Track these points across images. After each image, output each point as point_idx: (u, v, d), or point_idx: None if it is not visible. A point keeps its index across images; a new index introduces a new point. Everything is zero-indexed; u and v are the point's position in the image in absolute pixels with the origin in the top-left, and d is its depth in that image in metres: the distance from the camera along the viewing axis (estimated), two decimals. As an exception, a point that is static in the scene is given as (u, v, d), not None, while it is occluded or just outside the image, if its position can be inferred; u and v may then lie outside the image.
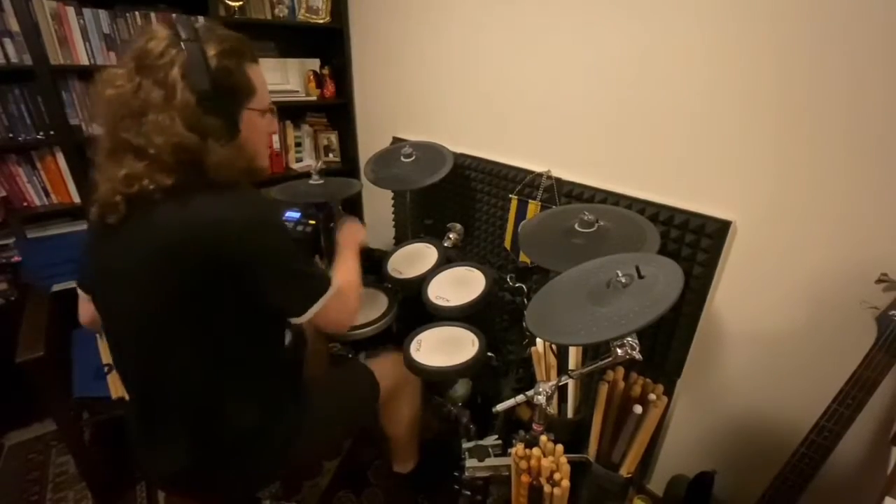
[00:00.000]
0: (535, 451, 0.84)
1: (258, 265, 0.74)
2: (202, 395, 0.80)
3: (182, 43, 0.69)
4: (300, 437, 0.92)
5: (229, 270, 0.72)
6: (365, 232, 1.22)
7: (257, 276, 0.75)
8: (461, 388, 1.39)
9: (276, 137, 2.08)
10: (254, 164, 0.82)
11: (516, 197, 1.40)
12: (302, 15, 2.00)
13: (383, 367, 1.13)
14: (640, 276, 0.78)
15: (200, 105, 0.69)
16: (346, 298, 0.94)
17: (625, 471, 0.95)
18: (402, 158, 1.51)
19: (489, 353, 1.22)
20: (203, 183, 0.71)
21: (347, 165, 2.33)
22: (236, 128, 0.76)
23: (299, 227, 1.76)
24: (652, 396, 0.90)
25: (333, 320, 0.90)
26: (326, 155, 2.32)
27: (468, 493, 1.12)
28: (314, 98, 2.14)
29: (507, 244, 1.50)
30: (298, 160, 2.23)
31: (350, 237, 1.16)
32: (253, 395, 0.84)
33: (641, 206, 1.12)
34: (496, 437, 1.15)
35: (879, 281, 0.80)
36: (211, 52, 0.70)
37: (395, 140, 1.91)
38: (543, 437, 0.86)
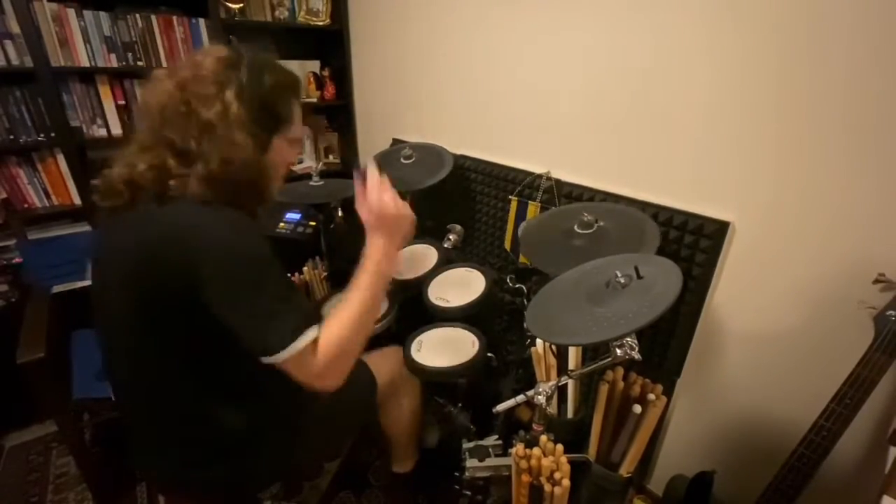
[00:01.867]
0: (536, 450, 0.84)
1: (214, 279, 0.67)
2: (191, 400, 0.79)
3: (243, 66, 0.75)
4: (297, 439, 0.91)
5: (197, 282, 0.67)
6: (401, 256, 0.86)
7: (213, 291, 0.68)
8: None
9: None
10: (268, 187, 0.84)
11: (516, 198, 1.41)
12: (302, 17, 2.01)
13: (380, 362, 1.12)
14: (640, 277, 0.79)
15: (249, 120, 0.74)
16: (319, 361, 0.71)
17: (624, 470, 0.95)
18: (402, 160, 1.51)
19: (489, 354, 1.22)
20: (204, 197, 0.71)
21: (347, 167, 2.33)
22: (266, 149, 0.80)
23: (300, 228, 1.76)
24: (651, 396, 0.91)
25: (295, 377, 0.73)
26: (327, 156, 2.32)
27: (468, 493, 1.12)
28: (314, 99, 2.14)
29: (507, 245, 1.50)
30: (299, 161, 2.24)
31: (385, 259, 0.83)
32: (245, 399, 0.83)
33: (640, 207, 1.12)
34: (496, 437, 1.16)
35: (877, 281, 0.80)
36: (269, 80, 0.78)
37: (395, 141, 1.92)
38: (543, 437, 0.87)
